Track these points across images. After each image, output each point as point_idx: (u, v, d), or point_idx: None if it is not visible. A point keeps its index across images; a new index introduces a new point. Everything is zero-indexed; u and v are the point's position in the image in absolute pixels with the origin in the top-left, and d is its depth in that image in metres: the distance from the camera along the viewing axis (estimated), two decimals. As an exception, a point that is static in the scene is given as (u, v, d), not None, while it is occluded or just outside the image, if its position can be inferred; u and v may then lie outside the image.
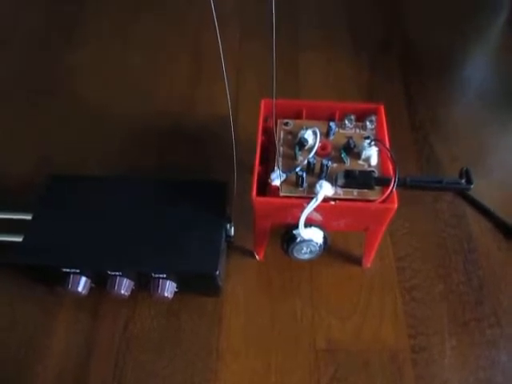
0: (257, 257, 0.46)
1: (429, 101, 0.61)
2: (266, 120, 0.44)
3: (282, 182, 0.39)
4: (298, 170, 0.39)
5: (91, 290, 0.41)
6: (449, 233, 0.48)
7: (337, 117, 0.44)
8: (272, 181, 0.39)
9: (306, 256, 0.42)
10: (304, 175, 0.38)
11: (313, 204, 0.37)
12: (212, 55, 0.65)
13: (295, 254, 0.41)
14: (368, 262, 0.46)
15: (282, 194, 0.39)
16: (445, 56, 0.67)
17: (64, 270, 0.39)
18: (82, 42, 0.68)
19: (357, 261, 0.46)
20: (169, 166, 0.53)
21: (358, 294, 0.44)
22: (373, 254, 0.44)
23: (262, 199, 0.38)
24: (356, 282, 0.45)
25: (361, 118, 0.43)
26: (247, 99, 0.59)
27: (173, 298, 0.41)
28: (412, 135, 0.57)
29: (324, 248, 0.41)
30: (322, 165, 0.38)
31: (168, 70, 0.64)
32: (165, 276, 0.40)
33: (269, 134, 0.45)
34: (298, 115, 0.44)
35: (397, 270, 0.46)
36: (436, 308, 0.43)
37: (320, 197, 0.37)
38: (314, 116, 0.44)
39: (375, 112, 0.43)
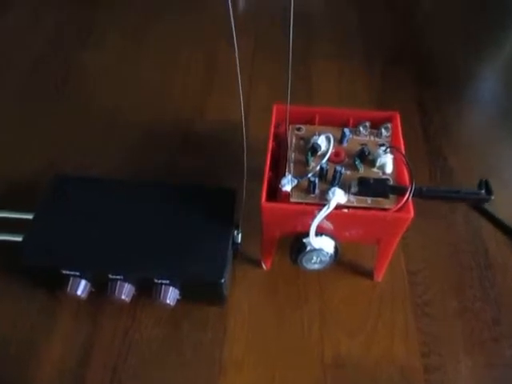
0: (263, 266, 0.45)
1: (442, 112, 0.59)
2: (277, 126, 0.43)
3: (292, 188, 0.37)
4: (310, 175, 0.38)
5: (92, 294, 0.40)
6: (464, 247, 0.46)
7: (351, 124, 0.43)
8: (282, 186, 0.37)
9: (316, 266, 0.40)
10: (316, 181, 0.37)
11: (325, 211, 0.35)
12: (224, 64, 0.65)
13: (304, 264, 0.40)
14: (379, 276, 0.44)
15: (292, 199, 0.37)
16: (458, 67, 0.66)
17: (64, 272, 0.38)
18: (95, 46, 0.68)
19: (367, 274, 0.44)
20: (179, 172, 0.52)
21: (369, 309, 0.42)
22: (385, 267, 0.42)
23: (270, 205, 0.37)
24: (366, 295, 0.43)
25: (375, 125, 0.42)
26: (258, 108, 0.58)
27: (175, 307, 0.39)
28: (425, 146, 0.55)
29: (334, 258, 0.39)
30: (335, 171, 0.37)
31: (180, 77, 0.64)
32: (168, 282, 0.38)
33: (280, 140, 0.43)
34: (310, 122, 0.43)
35: (409, 284, 0.44)
36: (450, 326, 0.41)
37: (332, 204, 0.35)
38: (327, 123, 0.43)
39: (390, 119, 0.42)
